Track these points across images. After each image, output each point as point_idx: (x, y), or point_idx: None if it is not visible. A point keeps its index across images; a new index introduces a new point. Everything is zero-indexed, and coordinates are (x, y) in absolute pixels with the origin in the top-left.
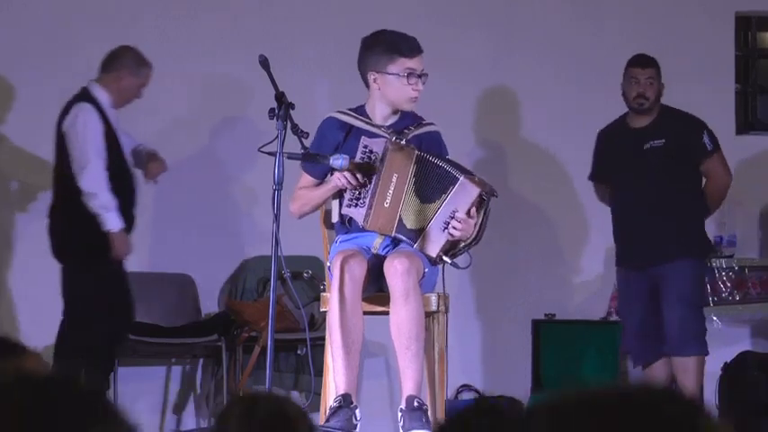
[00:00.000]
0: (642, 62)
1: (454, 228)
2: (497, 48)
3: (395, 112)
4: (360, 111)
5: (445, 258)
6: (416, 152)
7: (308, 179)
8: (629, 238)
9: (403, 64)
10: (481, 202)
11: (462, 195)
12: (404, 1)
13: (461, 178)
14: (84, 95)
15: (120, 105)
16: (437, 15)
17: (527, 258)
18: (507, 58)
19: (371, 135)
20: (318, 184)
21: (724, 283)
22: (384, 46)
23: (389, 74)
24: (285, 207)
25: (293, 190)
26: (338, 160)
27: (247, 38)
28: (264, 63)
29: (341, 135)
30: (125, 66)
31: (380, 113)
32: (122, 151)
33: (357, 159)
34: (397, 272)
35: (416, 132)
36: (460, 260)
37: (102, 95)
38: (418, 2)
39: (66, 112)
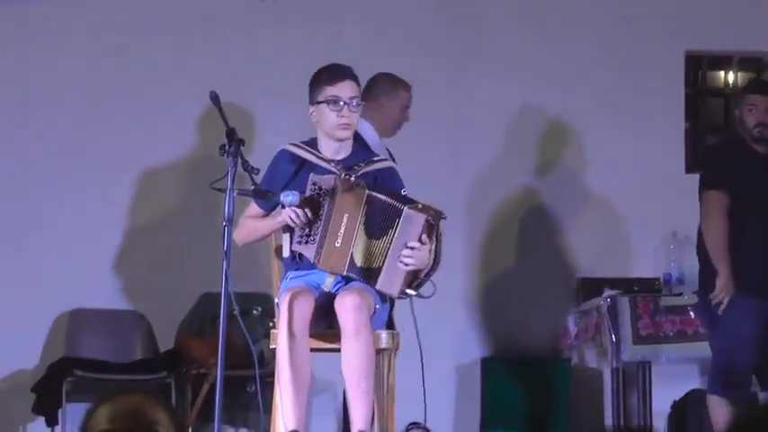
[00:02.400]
0: (763, 89)
1: (409, 257)
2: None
3: (344, 146)
4: (312, 144)
5: (409, 291)
6: (367, 192)
7: (255, 209)
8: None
9: (327, 92)
10: (431, 228)
11: (409, 226)
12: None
13: (404, 209)
14: None
15: (388, 134)
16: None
17: (477, 295)
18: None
19: (321, 171)
20: (266, 215)
21: (672, 321)
22: (314, 79)
23: (319, 104)
24: (236, 244)
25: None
26: (288, 197)
27: (202, 73)
28: (215, 99)
29: (292, 168)
30: (382, 91)
31: (326, 147)
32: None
33: (307, 195)
34: (347, 309)
35: (367, 169)
36: (424, 289)
37: (365, 128)
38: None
39: None
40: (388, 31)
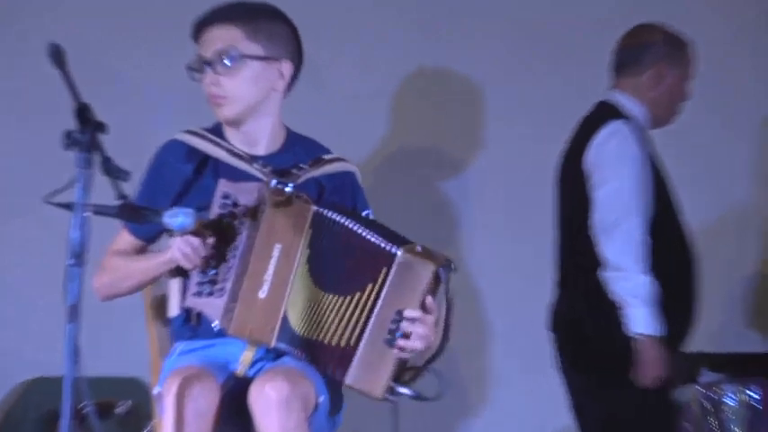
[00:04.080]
0: None
1: (405, 334)
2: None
3: (265, 133)
4: (217, 131)
5: (403, 391)
6: (313, 208)
7: (127, 240)
8: None
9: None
10: (437, 284)
11: (408, 281)
12: None
13: (399, 253)
14: (613, 111)
15: (661, 123)
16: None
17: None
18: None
19: (237, 176)
20: (145, 248)
21: None
22: None
23: None
24: (89, 294)
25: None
26: (177, 217)
27: None
28: (56, 55)
29: (189, 168)
30: (660, 55)
31: (236, 136)
32: (672, 198)
33: (213, 215)
34: (270, 404)
35: (314, 173)
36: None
37: (635, 110)
38: None
39: (587, 136)
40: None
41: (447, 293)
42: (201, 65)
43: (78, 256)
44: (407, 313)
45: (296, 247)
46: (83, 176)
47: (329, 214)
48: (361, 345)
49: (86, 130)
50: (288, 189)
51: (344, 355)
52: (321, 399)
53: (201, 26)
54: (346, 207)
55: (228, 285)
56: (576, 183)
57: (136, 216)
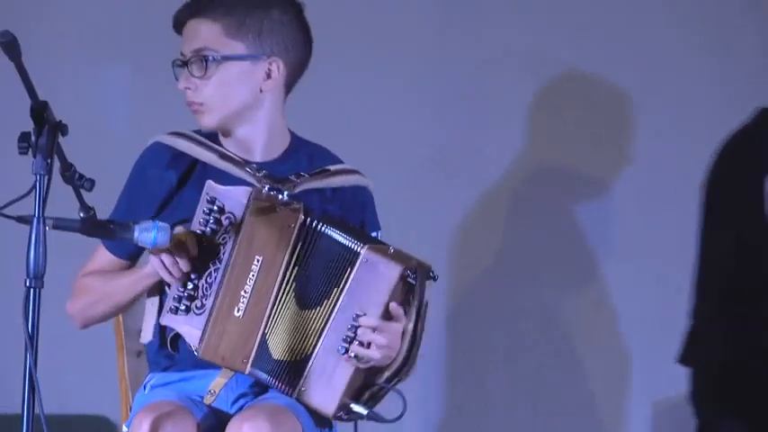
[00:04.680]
0: None
1: (362, 344)
2: None
3: (263, 138)
4: (211, 135)
5: (357, 409)
6: (301, 217)
7: (106, 258)
8: None
9: None
10: (408, 291)
11: (369, 282)
12: None
13: (363, 251)
14: None
15: None
16: None
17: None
18: None
19: (228, 180)
20: (129, 266)
21: None
22: None
23: None
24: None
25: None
26: (149, 232)
27: None
28: (10, 45)
29: (174, 176)
30: None
31: (227, 144)
32: None
33: (196, 224)
34: None
35: (316, 184)
36: (383, 407)
37: None
38: None
39: (758, 150)
40: None
41: (419, 301)
42: (179, 63)
43: (38, 276)
44: (364, 320)
45: (279, 260)
46: (40, 184)
47: (322, 227)
48: (315, 354)
49: (44, 132)
50: (281, 197)
51: (297, 368)
52: None
53: (181, 17)
54: (347, 222)
55: (210, 302)
56: (752, 204)
57: (102, 231)
